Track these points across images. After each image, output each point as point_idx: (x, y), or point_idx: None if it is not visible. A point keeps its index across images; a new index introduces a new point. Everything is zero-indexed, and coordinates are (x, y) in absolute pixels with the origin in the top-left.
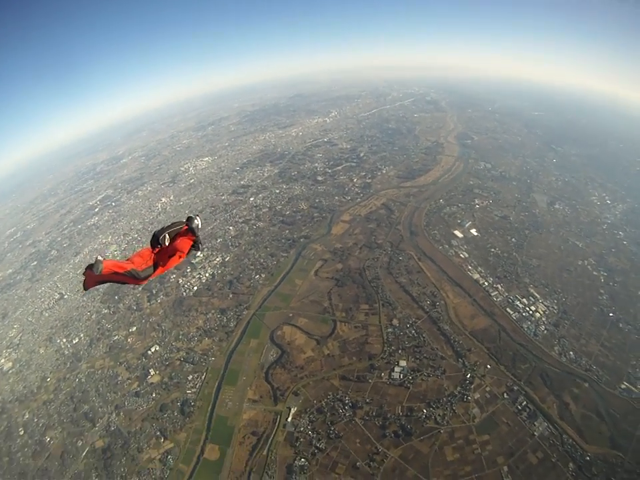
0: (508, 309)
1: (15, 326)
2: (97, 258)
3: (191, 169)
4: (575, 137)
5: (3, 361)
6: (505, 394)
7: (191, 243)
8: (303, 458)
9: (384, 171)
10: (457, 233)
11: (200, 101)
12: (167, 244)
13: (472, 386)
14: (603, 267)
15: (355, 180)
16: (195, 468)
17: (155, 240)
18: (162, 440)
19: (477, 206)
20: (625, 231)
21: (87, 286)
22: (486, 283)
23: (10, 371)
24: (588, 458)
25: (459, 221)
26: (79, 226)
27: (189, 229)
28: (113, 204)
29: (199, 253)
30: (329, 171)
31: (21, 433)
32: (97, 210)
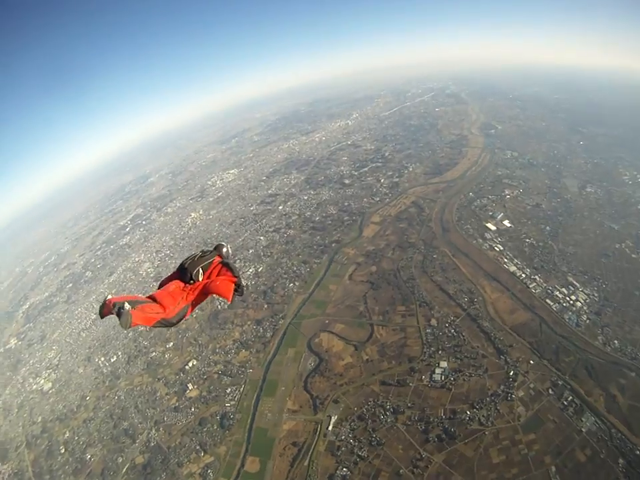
0: (548, 300)
1: (54, 347)
2: (124, 307)
3: (218, 182)
4: (599, 117)
5: (42, 381)
6: (550, 390)
7: (233, 285)
8: (345, 467)
9: (410, 169)
10: (490, 225)
11: (221, 114)
12: (200, 279)
13: (515, 383)
14: None
15: (382, 180)
16: None
17: (185, 273)
18: (202, 454)
19: (508, 196)
20: None
21: (103, 314)
22: (523, 275)
23: (50, 391)
24: (638, 452)
25: (490, 213)
26: (112, 246)
27: (223, 263)
28: (144, 222)
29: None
30: (355, 173)
31: (62, 451)
32: (128, 229)
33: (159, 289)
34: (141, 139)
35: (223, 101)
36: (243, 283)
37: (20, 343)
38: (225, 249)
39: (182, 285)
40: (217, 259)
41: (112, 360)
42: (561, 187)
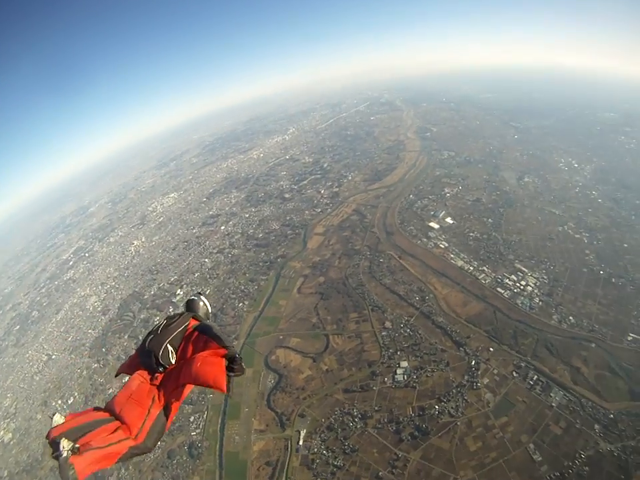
0: (498, 289)
1: (9, 395)
2: (60, 453)
3: (158, 207)
4: (530, 111)
5: (2, 432)
6: (514, 372)
7: (224, 363)
8: (323, 479)
9: (350, 178)
10: (433, 224)
11: (159, 138)
12: (172, 361)
13: (479, 372)
14: (584, 228)
15: (322, 191)
16: None
17: (149, 356)
18: None
19: (448, 194)
20: (597, 190)
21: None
22: (471, 268)
23: (11, 442)
24: (612, 416)
25: (432, 213)
26: (56, 282)
27: (199, 329)
28: (86, 254)
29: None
30: (295, 187)
31: None
32: (71, 263)
33: (118, 372)
34: (80, 168)
35: (159, 125)
36: (236, 353)
37: None
38: (201, 304)
39: (148, 376)
40: (192, 322)
41: (69, 402)
42: (499, 180)
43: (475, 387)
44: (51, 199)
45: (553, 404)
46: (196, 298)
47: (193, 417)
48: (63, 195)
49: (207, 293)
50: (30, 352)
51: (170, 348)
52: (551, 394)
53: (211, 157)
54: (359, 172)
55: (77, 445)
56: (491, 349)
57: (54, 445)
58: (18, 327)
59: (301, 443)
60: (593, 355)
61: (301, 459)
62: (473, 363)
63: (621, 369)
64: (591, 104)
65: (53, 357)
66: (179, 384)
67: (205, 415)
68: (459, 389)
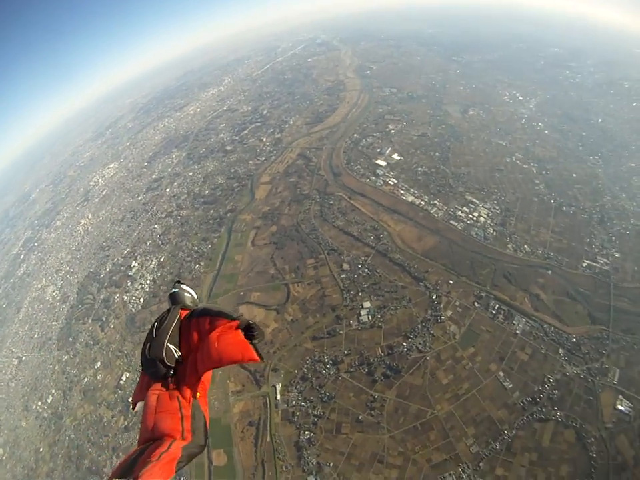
0: (452, 222)
1: None
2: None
3: (100, 180)
4: (474, 46)
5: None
6: (476, 303)
7: (241, 333)
8: (306, 430)
9: (291, 122)
10: (380, 162)
11: (92, 108)
12: (177, 358)
13: (441, 305)
14: (532, 158)
15: (264, 139)
16: (209, 478)
17: (154, 365)
18: None
19: (392, 131)
20: (543, 122)
21: None
22: (422, 203)
23: (4, 457)
24: (574, 340)
25: (378, 150)
26: (11, 280)
27: (196, 314)
28: (36, 244)
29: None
30: (236, 137)
31: None
32: (22, 257)
33: (134, 402)
34: (16, 154)
35: (90, 94)
36: (248, 320)
37: None
38: (185, 293)
39: (162, 386)
40: (183, 313)
41: (48, 401)
42: (443, 114)
43: (439, 321)
44: None
45: (517, 331)
46: (177, 289)
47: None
48: (1, 186)
49: (162, 260)
50: None
51: (171, 346)
52: (514, 322)
53: (146, 118)
54: (299, 116)
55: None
56: (451, 282)
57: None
58: None
59: (278, 397)
60: (550, 281)
61: (281, 414)
62: (435, 296)
63: (578, 294)
64: (537, 40)
65: (23, 358)
66: (201, 373)
67: None
68: (424, 324)
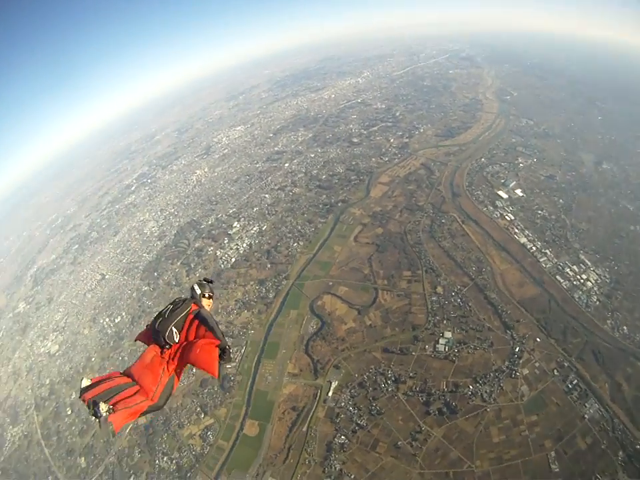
0: (558, 277)
1: (60, 309)
2: (99, 412)
3: (224, 139)
4: (619, 93)
5: (50, 344)
6: (555, 370)
7: (217, 351)
8: (343, 435)
9: (421, 130)
10: (501, 193)
11: (229, 72)
12: (176, 341)
13: (521, 361)
14: None
15: (391, 140)
16: (234, 444)
17: (158, 336)
18: (202, 416)
19: (521, 165)
20: None
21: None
22: (534, 248)
23: (57, 353)
24: (639, 446)
25: (502, 181)
26: (117, 206)
27: (199, 318)
28: (149, 181)
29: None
30: (365, 132)
31: (69, 412)
32: (133, 188)
33: (137, 339)
34: (149, 97)
35: (230, 59)
36: (228, 344)
37: (28, 306)
38: (195, 291)
39: (159, 350)
40: (193, 307)
41: (116, 320)
42: (576, 161)
43: (513, 376)
44: (118, 127)
45: (586, 415)
46: (196, 286)
47: (230, 350)
48: (129, 123)
49: (264, 229)
50: (85, 271)
51: (175, 330)
52: (586, 404)
53: (281, 93)
54: (431, 125)
55: (111, 407)
56: (538, 339)
57: (93, 405)
58: (76, 246)
59: (330, 394)
60: (638, 374)
61: (326, 411)
62: (517, 349)
63: None
64: None
65: (107, 276)
66: (182, 362)
67: (243, 350)
68: (497, 374)
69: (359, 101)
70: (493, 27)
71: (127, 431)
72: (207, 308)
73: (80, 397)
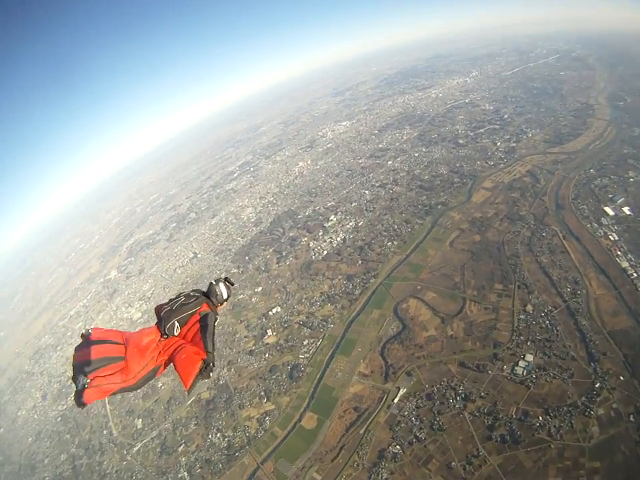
0: None
1: (150, 281)
2: (79, 383)
3: (328, 133)
4: None
5: (134, 311)
6: (632, 416)
7: (200, 364)
8: (398, 445)
9: (529, 135)
10: (608, 209)
11: (337, 68)
12: (175, 334)
13: (598, 399)
14: None
15: (498, 144)
16: (289, 433)
17: (161, 324)
18: (264, 400)
19: (631, 179)
20: None
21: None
22: (635, 274)
23: (138, 320)
24: None
25: (610, 196)
26: (218, 190)
27: (201, 322)
28: (251, 169)
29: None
30: (471, 133)
31: None
32: (235, 175)
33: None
34: (257, 90)
35: (339, 55)
36: (214, 360)
37: (119, 274)
38: (217, 292)
39: (158, 335)
40: (204, 307)
41: None
42: None
43: (586, 414)
44: (226, 117)
45: None
46: (214, 283)
47: (307, 341)
48: (237, 113)
49: (360, 224)
50: (179, 248)
51: (177, 324)
52: None
53: (387, 90)
54: (540, 130)
55: (87, 381)
56: (622, 378)
57: (76, 372)
58: (174, 224)
59: (395, 401)
60: None
61: (388, 417)
62: (597, 385)
63: None
64: None
65: (199, 255)
66: (169, 358)
67: (319, 343)
68: (570, 409)
69: (467, 101)
70: (605, 25)
71: (189, 402)
72: (219, 312)
73: (75, 350)
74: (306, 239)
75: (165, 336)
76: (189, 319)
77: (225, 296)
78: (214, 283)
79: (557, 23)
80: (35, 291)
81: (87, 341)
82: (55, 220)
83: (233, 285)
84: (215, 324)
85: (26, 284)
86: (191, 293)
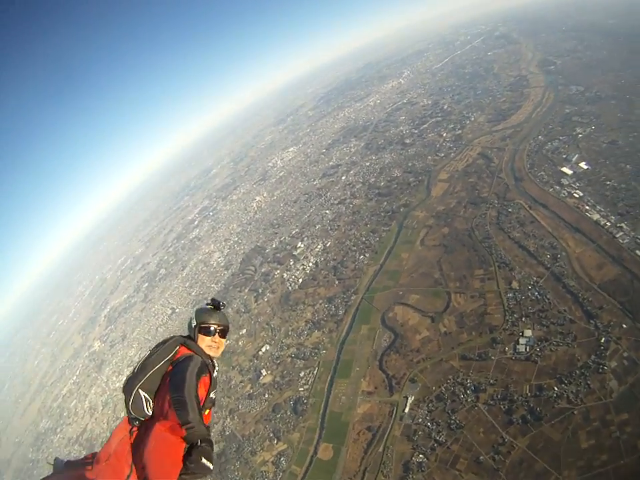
0: (637, 252)
1: (134, 345)
2: None
3: (278, 162)
4: None
5: (124, 379)
6: None
7: (182, 447)
8: (421, 454)
9: (472, 119)
10: (565, 169)
11: (273, 97)
12: (148, 413)
13: (608, 352)
14: None
15: (444, 134)
16: (307, 469)
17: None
18: (275, 441)
19: (580, 135)
20: None
21: None
22: (608, 224)
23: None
24: None
25: (564, 156)
26: (182, 241)
27: (171, 381)
28: (211, 213)
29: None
30: (416, 131)
31: None
32: (196, 223)
33: None
34: (200, 134)
35: (272, 84)
36: (207, 434)
37: (103, 345)
38: (192, 318)
39: (128, 428)
40: (181, 352)
41: None
42: (635, 120)
43: (600, 371)
44: (174, 167)
45: None
46: (201, 311)
47: (303, 372)
48: (185, 161)
49: (328, 245)
50: (156, 306)
51: (142, 394)
52: None
53: (327, 108)
54: (481, 112)
55: None
56: (624, 326)
57: None
58: (147, 284)
59: (406, 410)
60: None
61: (403, 428)
62: (603, 340)
63: None
64: None
65: (177, 310)
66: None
67: (316, 371)
68: (583, 371)
69: (405, 101)
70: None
71: None
72: (211, 352)
73: None
74: (278, 271)
75: (136, 422)
76: (160, 378)
77: (195, 322)
78: (200, 310)
79: (474, 7)
80: (22, 376)
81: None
82: (28, 299)
83: (221, 306)
84: (211, 377)
85: (12, 371)
86: (166, 340)
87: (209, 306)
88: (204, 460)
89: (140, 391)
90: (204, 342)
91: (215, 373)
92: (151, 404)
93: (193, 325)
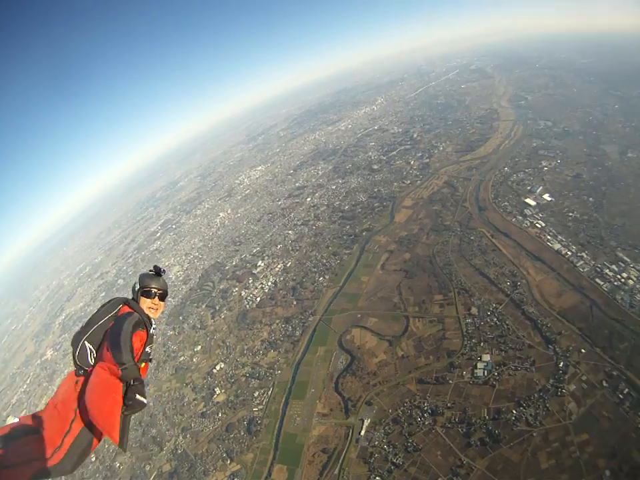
0: (597, 280)
1: None
2: None
3: (245, 180)
4: (633, 77)
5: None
6: (604, 382)
7: (118, 389)
8: (378, 476)
9: (440, 148)
10: (529, 200)
11: (247, 115)
12: (91, 363)
13: (566, 376)
14: None
15: (412, 162)
16: None
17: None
18: (228, 462)
19: (545, 168)
20: None
21: None
22: (569, 253)
23: None
24: None
25: (528, 188)
26: (143, 252)
27: (112, 328)
28: (174, 226)
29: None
30: (384, 157)
31: (93, 460)
32: (158, 234)
33: None
34: (171, 146)
35: (247, 102)
36: (136, 374)
37: (55, 353)
38: (135, 282)
39: (74, 379)
40: (124, 310)
41: None
42: (600, 155)
43: (559, 394)
44: (142, 176)
45: None
46: (146, 275)
47: (257, 392)
48: (153, 172)
49: (288, 265)
50: None
51: (88, 346)
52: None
53: (298, 129)
54: (450, 142)
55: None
56: (583, 351)
57: None
58: (104, 293)
59: (362, 433)
60: None
61: (359, 451)
62: (561, 364)
63: None
64: None
65: None
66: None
67: (270, 392)
68: (541, 394)
69: (376, 127)
70: (496, 36)
71: (152, 478)
72: (150, 313)
73: None
74: (237, 289)
75: (82, 371)
76: (103, 333)
77: (138, 286)
78: (144, 274)
79: (452, 42)
80: None
81: (10, 432)
82: None
83: (161, 272)
84: (148, 332)
85: None
86: (113, 299)
87: (151, 272)
88: (139, 396)
89: (85, 342)
90: (145, 303)
91: (152, 330)
92: (95, 354)
93: (136, 289)
